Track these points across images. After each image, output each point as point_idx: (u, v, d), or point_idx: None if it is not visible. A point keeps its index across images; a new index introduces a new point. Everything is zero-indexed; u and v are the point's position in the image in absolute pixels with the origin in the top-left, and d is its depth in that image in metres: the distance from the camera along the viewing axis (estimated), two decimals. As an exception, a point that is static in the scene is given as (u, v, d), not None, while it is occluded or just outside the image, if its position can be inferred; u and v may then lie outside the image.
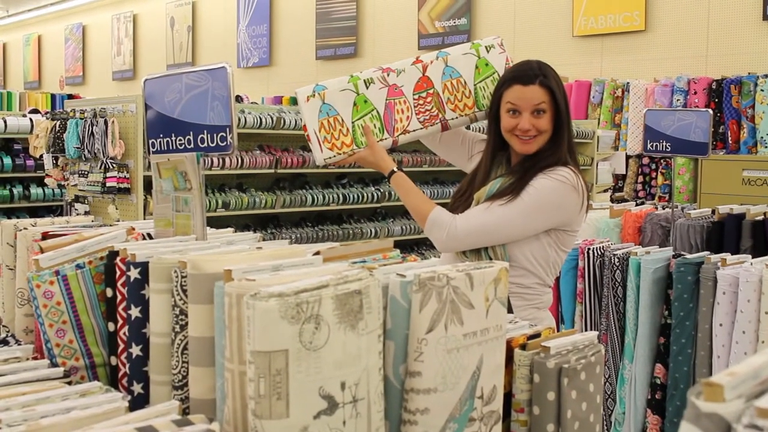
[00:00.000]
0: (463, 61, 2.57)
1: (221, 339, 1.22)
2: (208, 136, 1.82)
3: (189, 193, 1.79)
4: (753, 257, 2.89)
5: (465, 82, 2.56)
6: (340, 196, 7.11)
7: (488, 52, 2.59)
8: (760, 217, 3.47)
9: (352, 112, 2.49)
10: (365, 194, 7.22)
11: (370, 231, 7.34)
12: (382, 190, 7.24)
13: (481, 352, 1.35)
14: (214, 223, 3.17)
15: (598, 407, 1.58)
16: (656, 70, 8.60)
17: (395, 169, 2.48)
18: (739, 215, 3.49)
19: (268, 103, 11.78)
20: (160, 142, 1.94)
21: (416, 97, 2.53)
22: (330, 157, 2.48)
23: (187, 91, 1.84)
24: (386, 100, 2.51)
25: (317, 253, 1.47)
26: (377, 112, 2.51)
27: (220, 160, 6.09)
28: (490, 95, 2.51)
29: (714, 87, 7.72)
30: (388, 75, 2.53)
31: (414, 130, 2.54)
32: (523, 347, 1.50)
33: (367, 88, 2.50)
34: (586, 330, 3.48)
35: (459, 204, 2.47)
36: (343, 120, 2.48)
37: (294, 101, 11.98)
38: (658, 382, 3.05)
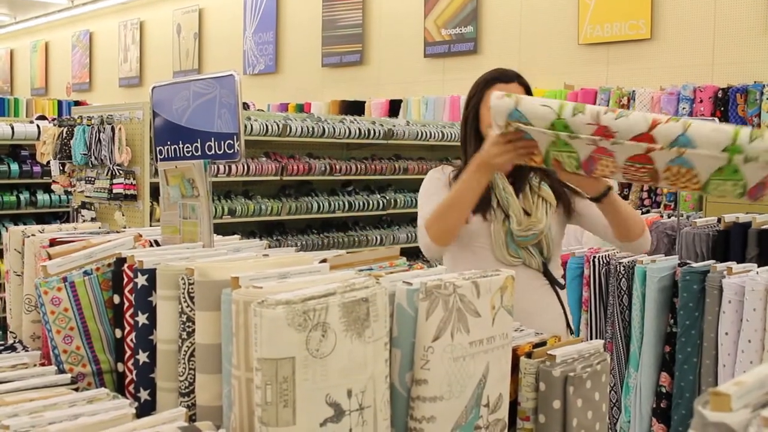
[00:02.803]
0: (706, 161, 1.91)
1: (228, 346, 1.23)
2: (216, 143, 1.83)
3: (196, 201, 1.80)
4: (759, 266, 2.89)
5: (696, 174, 1.93)
6: (346, 203, 7.12)
7: (746, 162, 1.87)
8: (766, 226, 3.47)
9: (548, 143, 2.03)
10: (371, 201, 7.23)
11: (376, 238, 7.34)
12: (387, 198, 7.24)
13: (487, 360, 1.35)
14: (220, 229, 3.17)
15: (604, 416, 1.57)
16: (662, 79, 8.60)
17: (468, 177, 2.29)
18: (745, 224, 3.48)
19: (274, 110, 11.82)
20: (167, 149, 1.95)
21: (628, 164, 2.00)
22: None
23: (194, 99, 1.85)
24: (591, 154, 2.02)
25: (324, 261, 1.48)
26: (578, 155, 2.03)
27: (226, 167, 6.11)
28: (723, 190, 1.94)
29: (720, 95, 7.71)
30: (600, 140, 1.96)
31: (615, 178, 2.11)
32: (529, 355, 1.50)
33: (571, 140, 1.99)
34: (591, 338, 3.48)
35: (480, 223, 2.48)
36: (537, 146, 2.06)
37: (300, 108, 12.02)
38: (664, 390, 3.05)
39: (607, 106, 8.61)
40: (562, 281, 2.60)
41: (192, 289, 1.34)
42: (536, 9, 10.02)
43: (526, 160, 2.16)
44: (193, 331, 1.34)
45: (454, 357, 1.29)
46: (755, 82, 7.65)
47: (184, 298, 1.36)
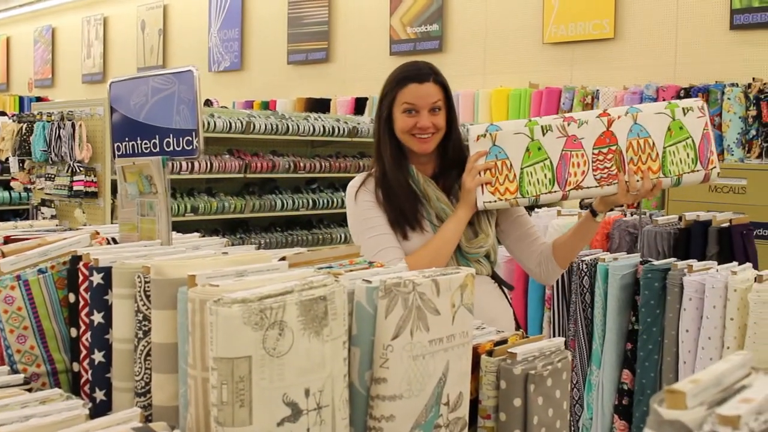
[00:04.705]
0: (655, 121, 2.34)
1: (184, 345, 1.21)
2: (174, 140, 1.81)
3: (154, 198, 1.77)
4: (719, 264, 2.91)
5: (653, 144, 2.33)
6: (310, 201, 7.09)
7: (685, 114, 2.34)
8: (726, 224, 3.51)
9: (523, 157, 2.36)
10: (335, 199, 7.21)
11: (340, 236, 7.33)
12: (352, 196, 7.21)
13: (447, 358, 1.35)
14: (183, 227, 3.13)
15: (565, 413, 1.57)
16: (625, 78, 8.67)
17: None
18: (705, 222, 3.52)
19: (239, 107, 11.74)
20: (125, 145, 1.92)
21: (596, 152, 2.34)
22: (490, 202, 2.38)
23: (153, 95, 1.82)
24: (562, 150, 2.35)
25: (283, 259, 1.46)
26: (550, 161, 2.36)
27: (189, 165, 6.05)
28: (679, 161, 2.32)
29: (682, 95, 7.79)
30: (568, 125, 2.36)
31: (588, 187, 2.35)
32: (490, 353, 1.49)
33: (544, 135, 2.36)
34: (554, 336, 3.49)
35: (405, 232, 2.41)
36: (511, 165, 2.37)
37: (265, 105, 11.96)
38: (626, 387, 3.06)
39: (572, 105, 8.67)
40: (510, 282, 2.64)
41: (148, 287, 1.32)
42: (501, 8, 10.06)
43: (501, 193, 2.40)
44: (150, 330, 1.32)
45: (413, 355, 1.28)
46: (716, 81, 7.75)
47: (140, 296, 1.34)
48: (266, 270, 1.33)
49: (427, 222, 2.41)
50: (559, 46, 9.53)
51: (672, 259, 3.03)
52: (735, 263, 2.87)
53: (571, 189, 2.37)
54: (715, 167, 2.33)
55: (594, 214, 2.46)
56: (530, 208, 2.80)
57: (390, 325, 1.25)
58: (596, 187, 2.35)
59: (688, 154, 2.32)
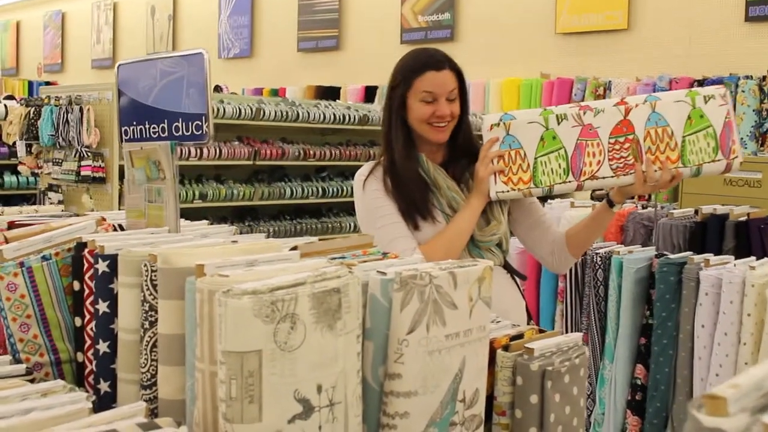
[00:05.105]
0: (674, 110, 2.26)
1: (192, 337, 1.16)
2: (183, 124, 1.76)
3: (162, 184, 1.72)
4: (735, 258, 2.86)
5: (672, 133, 2.25)
6: (320, 189, 7.05)
7: (706, 102, 2.26)
8: (744, 218, 3.45)
9: (537, 147, 2.32)
10: (345, 187, 7.16)
11: (350, 225, 7.28)
12: (362, 184, 7.17)
13: (463, 354, 1.30)
14: (191, 214, 3.08)
15: (582, 410, 1.53)
16: (638, 69, 8.59)
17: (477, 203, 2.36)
18: (722, 216, 3.46)
19: (248, 94, 11.69)
20: (133, 129, 1.88)
21: (612, 141, 2.28)
22: (503, 192, 2.35)
23: (161, 78, 1.77)
24: (577, 140, 2.29)
25: (294, 248, 1.41)
26: (565, 151, 2.31)
27: (198, 151, 6.02)
28: (699, 150, 2.24)
29: (696, 87, 7.71)
30: (584, 113, 2.31)
31: (603, 177, 2.29)
32: (506, 348, 1.45)
33: (559, 124, 2.31)
34: (566, 329, 3.45)
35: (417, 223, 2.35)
36: (525, 155, 2.33)
37: (274, 93, 11.90)
38: (639, 383, 3.02)
39: (583, 95, 8.61)
40: (523, 273, 2.60)
41: (155, 276, 1.27)
42: (514, -3, 9.99)
43: (514, 183, 2.36)
44: (156, 320, 1.27)
45: (429, 350, 1.23)
46: (730, 74, 7.67)
47: (146, 285, 1.29)
48: (277, 260, 1.29)
49: (438, 211, 2.36)
50: (571, 36, 9.44)
51: (688, 253, 2.97)
52: (753, 258, 2.82)
53: (586, 179, 2.31)
54: (737, 157, 2.26)
55: (611, 204, 2.40)
56: (543, 199, 2.76)
57: (405, 318, 1.20)
58: (612, 177, 2.30)
59: (708, 143, 2.25)
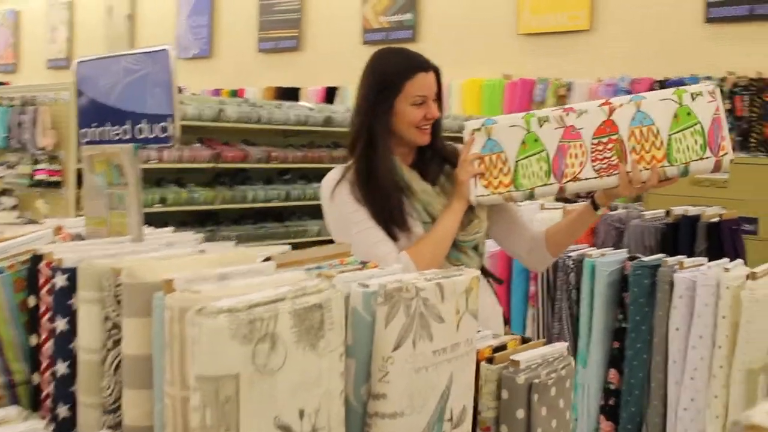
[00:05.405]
0: (660, 108, 2.20)
1: (160, 359, 1.07)
2: (148, 126, 1.65)
3: (125, 189, 1.62)
4: (708, 260, 2.83)
5: (657, 131, 2.19)
6: (283, 192, 6.94)
7: (693, 99, 2.19)
8: (715, 219, 3.43)
9: (518, 150, 2.27)
10: (308, 191, 7.05)
11: (314, 229, 7.17)
12: (325, 187, 7.07)
13: (451, 370, 1.23)
14: (151, 219, 2.97)
15: (568, 423, 1.47)
16: (600, 70, 8.63)
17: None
18: (693, 217, 3.43)
19: (207, 95, 11.53)
20: (93, 131, 1.77)
21: (595, 141, 2.21)
22: (484, 195, 2.29)
23: (125, 76, 1.67)
24: (560, 142, 2.24)
25: (268, 259, 1.32)
26: (547, 153, 2.24)
27: (158, 154, 5.88)
28: (686, 148, 2.17)
29: (656, 88, 7.75)
30: (567, 115, 2.25)
31: (586, 179, 2.22)
32: (490, 361, 1.38)
33: (541, 126, 2.25)
34: (538, 334, 3.40)
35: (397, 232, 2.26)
36: (506, 158, 2.28)
37: (234, 94, 11.76)
38: (612, 387, 2.97)
39: (545, 96, 8.62)
40: (499, 277, 2.56)
41: (119, 291, 1.18)
42: (476, -2, 9.98)
43: (494, 187, 2.30)
44: (120, 339, 1.17)
45: (416, 368, 1.16)
46: (691, 74, 7.73)
47: (109, 301, 1.19)
48: (251, 272, 1.20)
49: (413, 217, 2.28)
50: (533, 37, 9.45)
51: (661, 255, 2.94)
52: (726, 260, 2.79)
53: (569, 181, 2.24)
54: (726, 153, 2.18)
55: (595, 207, 2.35)
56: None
57: (391, 334, 1.13)
58: (595, 178, 2.22)
59: (696, 141, 2.18)
